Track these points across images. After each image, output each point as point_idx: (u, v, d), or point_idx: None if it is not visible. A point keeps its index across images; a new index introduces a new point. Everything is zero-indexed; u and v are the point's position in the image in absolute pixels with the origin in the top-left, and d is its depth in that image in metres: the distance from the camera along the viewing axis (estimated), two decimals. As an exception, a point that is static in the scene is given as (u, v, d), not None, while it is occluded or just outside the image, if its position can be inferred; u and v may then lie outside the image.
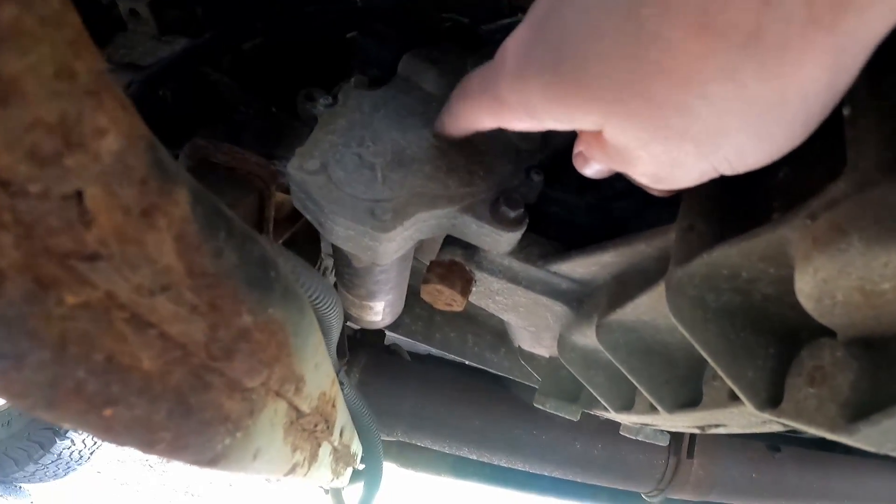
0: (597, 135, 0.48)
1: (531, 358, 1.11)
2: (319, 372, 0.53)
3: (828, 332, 0.44)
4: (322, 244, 1.17)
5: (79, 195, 0.26)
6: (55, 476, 3.31)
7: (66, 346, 0.28)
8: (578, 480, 1.61)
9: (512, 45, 0.50)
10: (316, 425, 0.57)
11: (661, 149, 0.43)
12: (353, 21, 0.92)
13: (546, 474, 1.60)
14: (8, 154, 0.24)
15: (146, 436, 0.33)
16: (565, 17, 0.42)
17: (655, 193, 0.57)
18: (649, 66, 0.38)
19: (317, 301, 0.61)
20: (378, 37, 0.87)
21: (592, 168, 0.56)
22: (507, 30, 0.80)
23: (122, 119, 0.28)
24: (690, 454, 1.54)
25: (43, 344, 0.27)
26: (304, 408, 0.52)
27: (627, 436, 1.01)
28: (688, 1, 0.35)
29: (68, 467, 3.33)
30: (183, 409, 0.34)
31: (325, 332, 0.63)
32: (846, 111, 0.43)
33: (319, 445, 0.64)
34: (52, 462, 3.20)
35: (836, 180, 0.40)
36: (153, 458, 5.08)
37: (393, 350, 1.61)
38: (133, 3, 1.03)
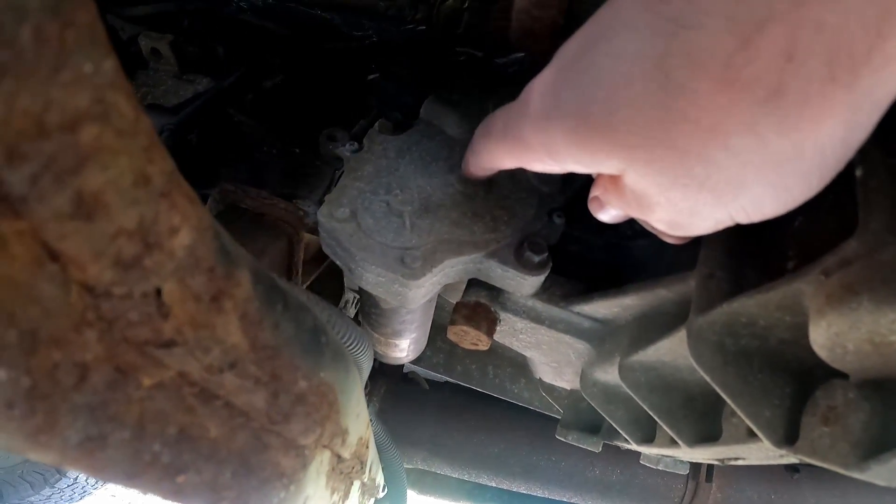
0: (615, 179, 0.49)
1: (552, 389, 1.12)
2: (359, 420, 0.56)
3: (841, 373, 0.46)
4: (345, 279, 1.19)
5: (157, 292, 0.28)
6: (71, 500, 3.28)
7: (143, 424, 0.30)
8: (597, 505, 1.61)
9: (538, 87, 0.50)
10: (353, 468, 0.59)
11: (680, 196, 0.44)
12: (369, 56, 0.94)
13: (565, 500, 1.60)
14: (95, 264, 0.26)
15: (212, 496, 0.35)
16: (597, 62, 0.43)
17: (670, 241, 0.58)
18: (675, 115, 0.39)
19: (352, 348, 0.63)
20: (398, 80, 0.89)
21: (608, 213, 0.57)
22: (520, 63, 0.82)
23: (191, 213, 0.30)
24: (709, 478, 1.53)
25: (124, 424, 0.29)
26: (346, 455, 0.54)
27: (648, 465, 1.03)
28: (714, 55, 0.36)
29: (84, 491, 3.31)
30: (245, 470, 0.37)
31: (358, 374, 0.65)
32: (858, 172, 0.45)
33: (352, 484, 0.66)
34: (69, 486, 3.17)
35: (849, 239, 0.42)
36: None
37: (411, 378, 1.62)
38: (155, 42, 1.04)
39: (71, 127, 0.24)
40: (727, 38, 0.36)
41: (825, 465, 0.44)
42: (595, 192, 0.56)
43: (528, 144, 0.52)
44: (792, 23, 0.34)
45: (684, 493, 1.55)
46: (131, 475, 0.31)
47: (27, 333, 0.24)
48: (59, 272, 0.25)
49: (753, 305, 0.50)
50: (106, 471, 0.30)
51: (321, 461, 0.47)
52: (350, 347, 0.62)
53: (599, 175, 0.54)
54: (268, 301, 0.35)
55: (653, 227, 0.55)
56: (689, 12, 0.37)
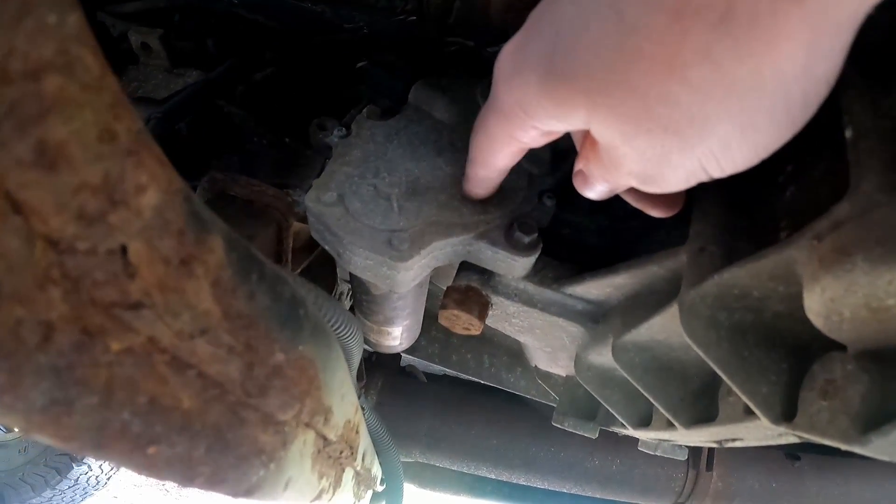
0: (593, 144, 0.49)
1: (547, 377, 1.12)
2: (345, 402, 0.55)
3: (838, 346, 0.45)
4: (338, 270, 1.18)
5: (123, 250, 0.28)
6: (72, 501, 3.30)
7: (112, 390, 0.29)
8: (597, 496, 1.60)
9: (506, 51, 0.50)
10: (341, 452, 0.59)
11: (645, 143, 0.43)
12: (360, 48, 0.93)
13: (565, 491, 1.60)
14: (57, 216, 0.25)
15: (186, 471, 0.35)
16: (560, 12, 0.43)
17: (655, 213, 0.58)
18: (631, 54, 0.38)
19: (339, 331, 0.62)
20: (387, 67, 0.89)
21: (593, 188, 0.56)
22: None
23: (160, 174, 0.30)
24: (709, 466, 1.53)
25: (91, 390, 0.29)
26: (331, 436, 0.53)
27: (646, 451, 1.02)
28: None
29: (85, 493, 3.33)
30: (221, 445, 0.36)
31: (347, 360, 0.65)
32: (848, 133, 0.44)
33: (343, 471, 0.65)
34: (70, 487, 3.19)
35: (840, 202, 0.41)
36: (170, 484, 5.07)
37: (409, 371, 1.61)
38: (145, 36, 1.04)
39: (34, 75, 0.23)
40: None
41: (824, 441, 0.43)
42: (578, 164, 0.55)
43: (507, 109, 0.51)
44: None
45: (685, 483, 1.55)
46: (100, 444, 0.30)
47: (-11, 287, 0.24)
48: (22, 224, 0.24)
49: (745, 276, 0.49)
50: (73, 439, 0.29)
51: (304, 441, 0.46)
52: (337, 330, 0.61)
53: (582, 148, 0.54)
54: (242, 270, 0.34)
55: (630, 195, 0.55)
56: None
